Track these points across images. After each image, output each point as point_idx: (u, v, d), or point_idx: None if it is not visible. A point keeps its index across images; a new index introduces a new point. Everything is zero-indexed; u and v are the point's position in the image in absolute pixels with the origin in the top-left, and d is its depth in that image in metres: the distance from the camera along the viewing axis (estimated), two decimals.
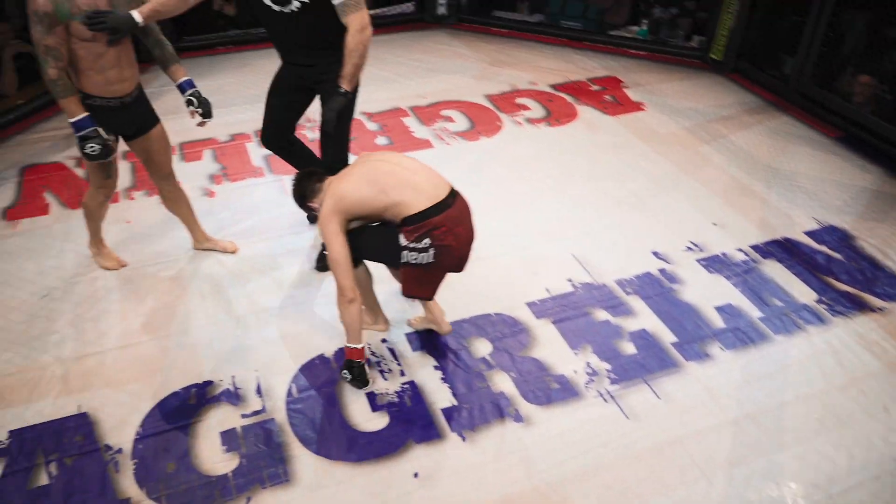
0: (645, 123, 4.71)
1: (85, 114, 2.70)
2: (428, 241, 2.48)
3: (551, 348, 2.92)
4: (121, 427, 2.56)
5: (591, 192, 3.94)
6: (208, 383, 2.74)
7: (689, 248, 3.51)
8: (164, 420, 2.59)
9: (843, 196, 3.97)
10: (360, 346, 2.65)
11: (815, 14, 4.61)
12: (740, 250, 3.51)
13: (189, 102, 2.92)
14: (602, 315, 3.10)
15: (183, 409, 2.63)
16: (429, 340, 2.94)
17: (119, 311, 3.07)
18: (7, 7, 4.73)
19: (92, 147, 2.73)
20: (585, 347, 2.92)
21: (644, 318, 3.08)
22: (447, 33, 6.17)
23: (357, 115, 4.67)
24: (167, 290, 3.20)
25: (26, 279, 3.25)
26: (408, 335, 2.97)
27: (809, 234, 3.65)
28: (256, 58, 5.55)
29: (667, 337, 2.98)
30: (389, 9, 6.28)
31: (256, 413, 2.62)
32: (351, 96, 2.89)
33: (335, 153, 3.11)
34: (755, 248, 3.53)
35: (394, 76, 5.30)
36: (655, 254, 3.46)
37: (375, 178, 2.52)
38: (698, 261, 3.43)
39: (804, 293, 3.25)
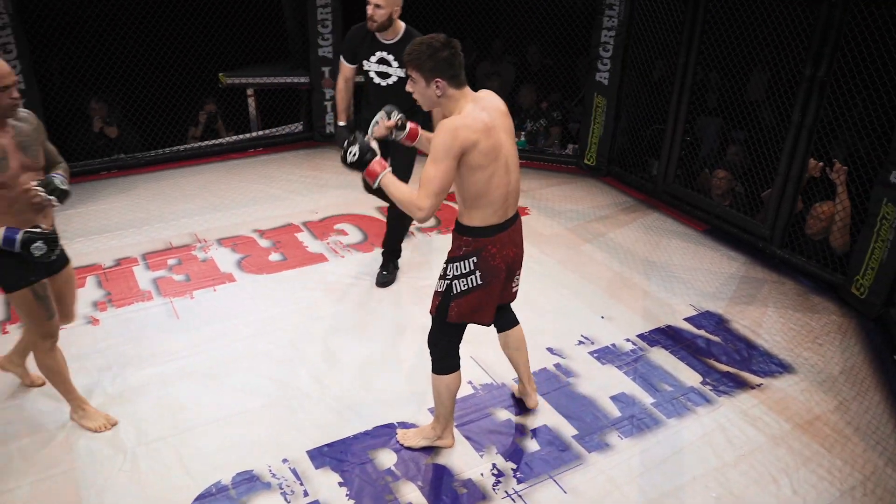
0: (530, 226, 4.95)
1: (3, 226, 2.50)
2: (475, 260, 2.46)
3: (457, 452, 2.90)
4: None
5: None
6: None
7: (581, 342, 3.65)
8: None
9: (714, 283, 4.28)
10: (378, 172, 2.42)
11: (672, 121, 5.13)
12: (628, 340, 3.68)
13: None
14: (504, 414, 3.13)
15: None
16: (332, 457, 2.85)
17: None
18: None
19: (38, 247, 2.53)
20: (490, 448, 2.93)
21: (545, 414, 3.13)
22: (336, 150, 6.34)
23: (249, 232, 4.70)
24: (43, 427, 2.97)
25: None
26: (309, 452, 2.87)
27: (688, 319, 3.89)
28: (141, 181, 5.49)
29: (568, 430, 3.04)
30: (279, 129, 6.44)
31: None
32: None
33: (396, 239, 4.15)
34: (641, 336, 3.72)
35: (285, 193, 5.37)
36: (550, 349, 3.57)
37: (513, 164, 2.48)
38: (590, 353, 3.56)
39: (690, 376, 3.42)
